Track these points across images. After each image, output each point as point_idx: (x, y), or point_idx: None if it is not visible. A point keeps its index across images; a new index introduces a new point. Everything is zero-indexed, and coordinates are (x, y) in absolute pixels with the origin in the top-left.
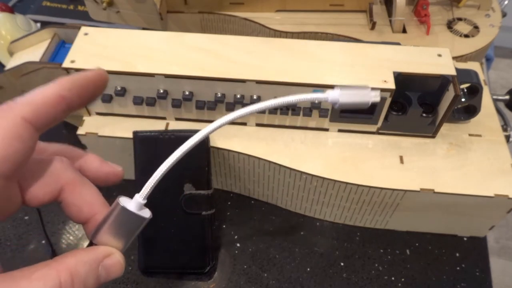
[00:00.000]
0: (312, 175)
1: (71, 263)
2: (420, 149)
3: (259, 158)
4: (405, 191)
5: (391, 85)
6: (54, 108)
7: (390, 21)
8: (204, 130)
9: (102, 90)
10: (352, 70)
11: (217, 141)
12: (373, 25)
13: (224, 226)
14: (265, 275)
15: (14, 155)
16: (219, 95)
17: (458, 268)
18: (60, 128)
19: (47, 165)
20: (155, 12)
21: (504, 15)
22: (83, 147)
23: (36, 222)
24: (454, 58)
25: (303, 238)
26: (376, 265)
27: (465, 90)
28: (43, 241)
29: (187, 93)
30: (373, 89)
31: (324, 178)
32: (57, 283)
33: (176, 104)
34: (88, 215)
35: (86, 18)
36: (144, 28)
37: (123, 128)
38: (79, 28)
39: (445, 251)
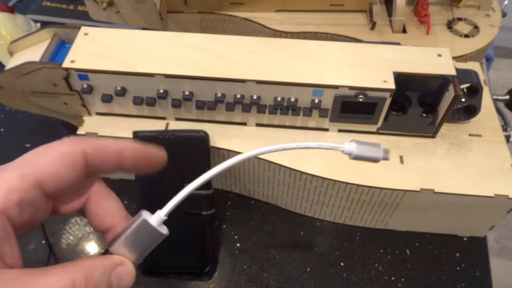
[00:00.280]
0: (312, 175)
1: (86, 266)
2: (420, 149)
3: (259, 158)
4: (405, 191)
5: (391, 85)
6: (111, 158)
7: (390, 21)
8: (233, 158)
9: (151, 169)
10: (352, 70)
11: (217, 141)
12: (373, 25)
13: (224, 226)
14: (265, 275)
15: (63, 178)
16: (219, 95)
17: (458, 268)
18: (60, 128)
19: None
20: (155, 12)
21: (504, 15)
22: None
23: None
24: (454, 58)
25: (303, 238)
26: (376, 265)
27: (465, 90)
28: (43, 241)
29: (187, 93)
30: (385, 150)
31: (324, 178)
32: (71, 282)
33: (176, 104)
34: (109, 225)
35: (86, 18)
36: (144, 28)
37: (123, 128)
38: (79, 28)
39: (445, 251)
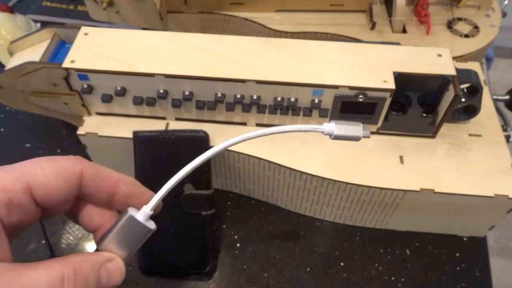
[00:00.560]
0: (312, 175)
1: (75, 260)
2: (420, 149)
3: (259, 158)
4: (405, 191)
5: (391, 85)
6: (105, 187)
7: (390, 21)
8: (212, 149)
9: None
10: (352, 70)
11: (217, 141)
12: (373, 25)
13: (224, 226)
14: (265, 275)
15: (53, 190)
16: (219, 95)
17: (458, 268)
18: (60, 128)
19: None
20: (155, 12)
21: (504, 15)
22: (83, 147)
23: (36, 222)
24: (454, 58)
25: (303, 238)
26: (376, 265)
27: (465, 90)
28: (43, 241)
29: (187, 93)
30: (364, 127)
31: (324, 178)
32: (60, 275)
33: (176, 104)
34: (98, 224)
35: (86, 18)
36: (144, 28)
37: (123, 128)
38: (79, 28)
39: (445, 251)
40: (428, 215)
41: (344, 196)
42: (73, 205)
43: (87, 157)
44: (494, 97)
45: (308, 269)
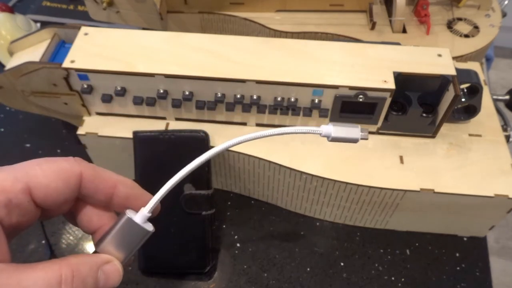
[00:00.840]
0: (312, 175)
1: (73, 262)
2: (420, 149)
3: (259, 158)
4: (405, 191)
5: (391, 85)
6: (104, 189)
7: (390, 21)
8: (208, 152)
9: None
10: (352, 70)
11: (217, 141)
12: (373, 25)
13: (224, 226)
14: (265, 275)
15: (53, 191)
16: (219, 95)
17: (458, 268)
18: (60, 128)
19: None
20: (155, 12)
21: (504, 15)
22: (83, 147)
23: (36, 222)
24: (454, 58)
25: (303, 238)
26: (376, 265)
27: (465, 90)
28: (43, 241)
29: (187, 93)
30: (362, 129)
31: (324, 178)
32: (58, 276)
33: (176, 104)
34: (97, 226)
35: (86, 18)
36: (144, 28)
37: (123, 128)
38: (79, 28)
39: (445, 251)
40: (428, 215)
41: (344, 196)
42: (72, 206)
43: (87, 157)
44: (494, 97)
45: (308, 269)
